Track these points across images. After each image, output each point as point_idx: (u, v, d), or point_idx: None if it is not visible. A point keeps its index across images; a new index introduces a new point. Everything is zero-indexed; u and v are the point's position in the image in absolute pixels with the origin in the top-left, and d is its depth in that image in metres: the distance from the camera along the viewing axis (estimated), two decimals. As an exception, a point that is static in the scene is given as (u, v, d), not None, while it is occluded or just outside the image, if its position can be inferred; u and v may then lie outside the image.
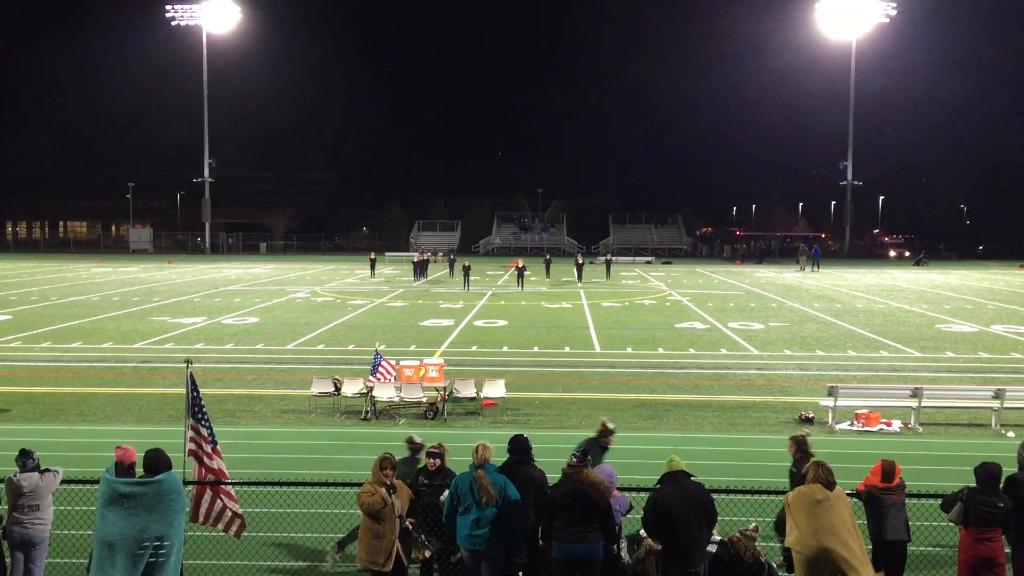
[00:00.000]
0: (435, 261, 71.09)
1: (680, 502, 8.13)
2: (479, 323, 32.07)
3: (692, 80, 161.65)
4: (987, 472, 8.51)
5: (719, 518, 8.59)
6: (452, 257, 61.71)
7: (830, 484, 8.31)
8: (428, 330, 30.12)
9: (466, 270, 47.80)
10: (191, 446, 9.54)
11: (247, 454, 14.74)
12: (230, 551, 10.32)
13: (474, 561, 8.56)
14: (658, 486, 8.42)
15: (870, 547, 8.74)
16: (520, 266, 48.45)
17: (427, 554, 9.11)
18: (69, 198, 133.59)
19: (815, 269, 66.97)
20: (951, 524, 8.69)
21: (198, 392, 9.58)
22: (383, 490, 8.48)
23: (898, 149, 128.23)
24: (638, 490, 9.35)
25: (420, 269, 54.37)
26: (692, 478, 8.44)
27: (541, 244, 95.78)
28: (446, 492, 8.92)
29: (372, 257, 59.86)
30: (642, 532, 8.83)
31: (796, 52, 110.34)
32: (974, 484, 8.58)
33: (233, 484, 10.66)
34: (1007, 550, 8.71)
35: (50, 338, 27.41)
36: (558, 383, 20.84)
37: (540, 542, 8.85)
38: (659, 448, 15.07)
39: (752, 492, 9.51)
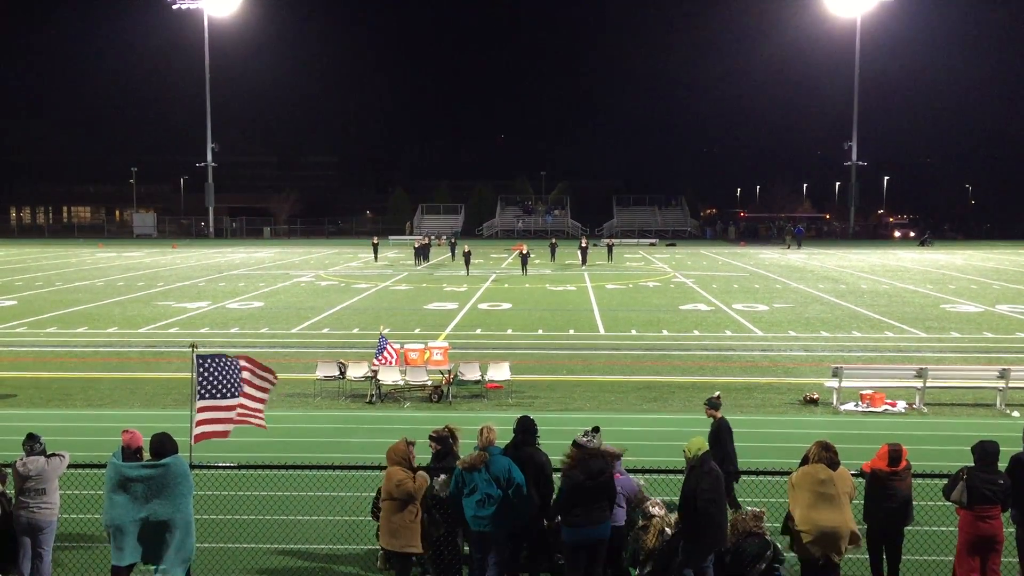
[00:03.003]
0: (438, 244, 70.97)
1: (717, 483, 8.24)
2: (483, 306, 32.08)
3: (696, 61, 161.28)
4: (985, 451, 8.53)
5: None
6: (453, 241, 61.37)
7: (834, 464, 8.34)
8: (432, 313, 30.15)
9: (467, 255, 46.99)
10: (208, 427, 9.54)
11: (252, 438, 14.77)
12: (238, 534, 10.38)
13: (480, 542, 8.60)
14: (692, 467, 8.33)
15: (864, 527, 8.77)
16: (524, 251, 47.51)
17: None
18: (73, 183, 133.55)
19: (798, 247, 72.55)
20: (952, 504, 8.69)
21: (213, 368, 9.57)
22: (422, 472, 8.67)
23: (903, 129, 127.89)
24: (644, 471, 9.39)
25: (422, 254, 53.62)
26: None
27: (546, 227, 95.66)
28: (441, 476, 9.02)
29: (375, 242, 59.18)
30: (652, 510, 8.82)
31: (800, 31, 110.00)
32: (971, 463, 8.59)
33: (239, 468, 10.73)
34: (1009, 529, 8.73)
35: (56, 323, 27.49)
36: (562, 366, 20.87)
37: (546, 524, 8.88)
38: (663, 430, 15.12)
39: (756, 473, 9.53)
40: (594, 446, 8.48)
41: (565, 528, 8.37)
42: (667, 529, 8.67)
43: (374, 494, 9.15)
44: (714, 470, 8.26)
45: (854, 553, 8.77)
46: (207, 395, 9.52)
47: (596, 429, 8.68)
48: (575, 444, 8.50)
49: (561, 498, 8.44)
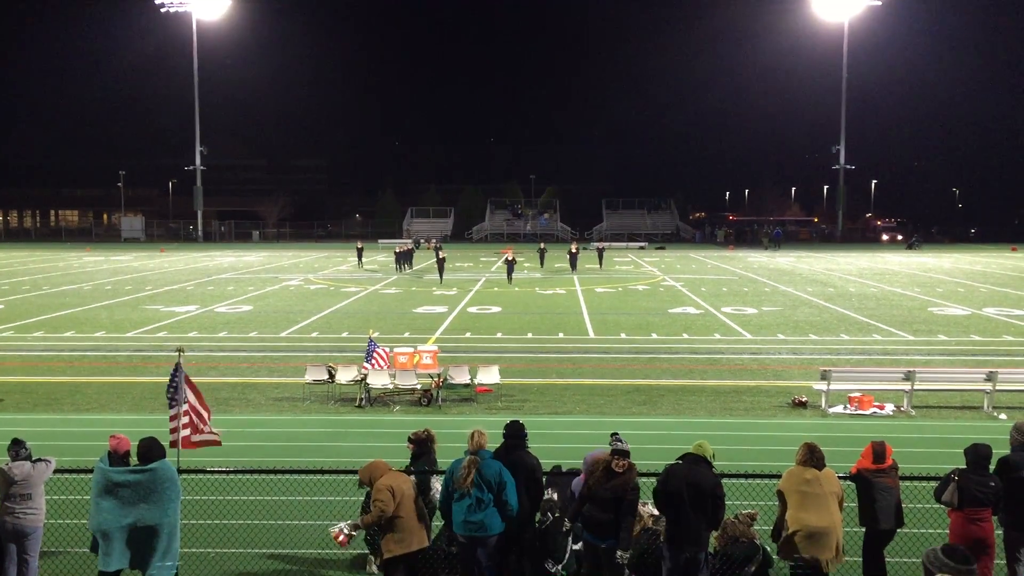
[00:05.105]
0: (427, 247, 70.71)
1: (686, 483, 8.12)
2: (473, 309, 32.07)
3: (684, 64, 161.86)
4: (977, 453, 8.54)
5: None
6: (439, 245, 59.63)
7: (819, 465, 8.36)
8: (422, 317, 30.11)
9: (441, 262, 43.99)
10: (187, 431, 9.53)
11: (241, 442, 14.74)
12: (226, 538, 10.34)
13: (470, 547, 8.56)
14: (678, 461, 8.42)
15: (853, 530, 8.77)
16: (510, 258, 45.12)
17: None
18: (60, 187, 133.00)
19: (777, 249, 76.36)
20: (943, 507, 8.71)
21: (182, 379, 9.57)
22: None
23: (891, 133, 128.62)
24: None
25: (404, 259, 50.89)
26: (712, 469, 8.35)
27: (536, 230, 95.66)
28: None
29: (359, 246, 56.96)
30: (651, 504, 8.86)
31: (788, 35, 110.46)
32: (964, 466, 8.61)
33: (228, 472, 10.71)
34: (997, 532, 8.75)
35: (43, 327, 27.34)
36: (552, 369, 20.86)
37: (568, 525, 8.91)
38: (653, 433, 15.13)
39: (745, 476, 9.53)
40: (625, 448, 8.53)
41: (588, 535, 8.55)
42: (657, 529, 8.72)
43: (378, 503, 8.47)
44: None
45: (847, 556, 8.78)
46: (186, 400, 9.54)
47: (615, 434, 8.78)
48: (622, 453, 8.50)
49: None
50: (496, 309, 32.17)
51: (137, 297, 36.17)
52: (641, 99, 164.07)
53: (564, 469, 9.85)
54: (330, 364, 18.04)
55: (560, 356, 22.69)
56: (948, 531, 8.67)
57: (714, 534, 8.71)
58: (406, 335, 25.73)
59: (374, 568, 9.36)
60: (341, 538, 8.51)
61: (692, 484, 8.12)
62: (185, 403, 9.47)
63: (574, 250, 50.97)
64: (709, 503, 8.15)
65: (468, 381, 17.44)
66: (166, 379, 18.34)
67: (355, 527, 8.56)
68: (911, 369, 17.17)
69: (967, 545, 8.43)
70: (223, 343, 24.67)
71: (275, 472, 9.79)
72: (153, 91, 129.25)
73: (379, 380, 17.22)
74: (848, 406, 16.71)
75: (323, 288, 40.42)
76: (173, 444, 9.38)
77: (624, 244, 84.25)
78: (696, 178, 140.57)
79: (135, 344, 24.48)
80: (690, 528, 8.11)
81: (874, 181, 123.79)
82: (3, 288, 39.83)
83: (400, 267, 50.21)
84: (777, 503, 8.57)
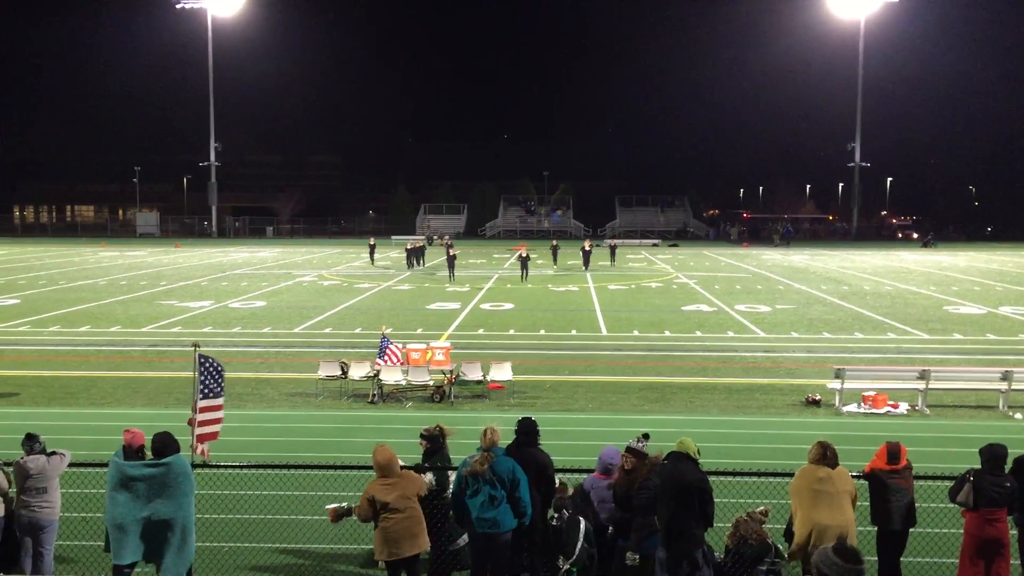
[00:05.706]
0: (440, 244, 70.68)
1: (669, 481, 8.04)
2: (486, 306, 32.08)
3: (699, 61, 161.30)
4: (993, 453, 8.49)
5: (727, 500, 8.55)
6: (450, 242, 58.71)
7: (832, 463, 8.32)
8: (435, 313, 30.15)
9: (451, 259, 42.85)
10: (211, 427, 9.58)
11: (255, 437, 14.81)
12: (239, 533, 10.38)
13: (483, 543, 8.56)
14: (663, 461, 8.40)
15: (865, 528, 8.73)
16: (524, 254, 44.48)
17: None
18: (76, 182, 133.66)
19: (787, 245, 78.27)
20: (957, 507, 8.65)
21: (214, 367, 9.60)
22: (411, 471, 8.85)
23: (907, 130, 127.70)
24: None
25: (416, 255, 49.95)
26: (697, 465, 8.22)
27: (550, 227, 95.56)
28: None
29: (372, 243, 55.26)
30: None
31: (804, 32, 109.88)
32: (979, 466, 8.56)
33: (241, 467, 10.75)
34: (1012, 532, 8.70)
35: (58, 322, 27.51)
36: (565, 366, 20.85)
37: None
38: (666, 431, 15.08)
39: (758, 474, 9.49)
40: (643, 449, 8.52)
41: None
42: None
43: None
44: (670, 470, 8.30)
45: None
46: (210, 394, 9.55)
47: (646, 436, 8.75)
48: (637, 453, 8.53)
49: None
50: (509, 306, 32.17)
51: (152, 292, 36.36)
52: (655, 96, 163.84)
53: (576, 467, 9.84)
54: (343, 360, 18.08)
55: (573, 353, 22.67)
56: (963, 531, 8.63)
57: (726, 532, 8.69)
58: (419, 331, 25.77)
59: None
60: (331, 516, 8.98)
61: (677, 482, 8.02)
62: (209, 396, 9.51)
63: (587, 247, 50.60)
64: (696, 500, 8.01)
65: (480, 378, 17.45)
66: (181, 374, 18.49)
67: (348, 511, 8.71)
68: (926, 368, 17.08)
69: (982, 545, 8.40)
70: (237, 338, 24.77)
71: (288, 467, 9.82)
72: (168, 87, 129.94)
73: (392, 376, 17.25)
74: (862, 405, 16.64)
75: (336, 284, 40.52)
76: (193, 446, 9.43)
77: (637, 241, 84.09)
78: (710, 175, 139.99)
79: (150, 339, 24.61)
80: (681, 526, 8.01)
81: (889, 179, 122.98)
82: (20, 283, 40.11)
83: (412, 264, 49.90)
84: (789, 501, 8.55)
